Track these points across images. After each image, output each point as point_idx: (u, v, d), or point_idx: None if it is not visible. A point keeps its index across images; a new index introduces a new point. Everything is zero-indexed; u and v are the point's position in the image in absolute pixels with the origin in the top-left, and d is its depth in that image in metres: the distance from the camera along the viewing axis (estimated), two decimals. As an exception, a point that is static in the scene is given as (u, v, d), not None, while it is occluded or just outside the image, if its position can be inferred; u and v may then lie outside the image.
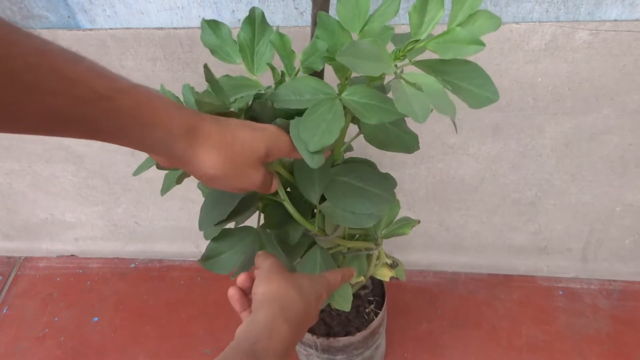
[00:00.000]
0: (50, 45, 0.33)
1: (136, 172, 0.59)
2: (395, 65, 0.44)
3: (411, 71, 0.45)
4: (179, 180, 0.55)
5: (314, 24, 0.53)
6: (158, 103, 0.39)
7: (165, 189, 0.60)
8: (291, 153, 0.50)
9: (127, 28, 0.88)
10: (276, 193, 0.61)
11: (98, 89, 0.35)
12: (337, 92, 0.50)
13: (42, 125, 0.35)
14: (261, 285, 0.52)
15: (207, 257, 0.65)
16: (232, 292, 0.55)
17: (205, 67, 0.45)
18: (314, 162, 0.48)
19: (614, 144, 0.97)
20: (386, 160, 1.05)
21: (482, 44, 0.43)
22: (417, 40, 0.45)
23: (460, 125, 0.96)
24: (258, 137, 0.46)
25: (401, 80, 0.42)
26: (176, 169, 0.53)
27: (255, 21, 0.55)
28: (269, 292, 0.51)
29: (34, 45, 0.32)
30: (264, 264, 0.55)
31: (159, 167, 0.48)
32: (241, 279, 0.56)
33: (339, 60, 0.41)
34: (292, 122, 0.49)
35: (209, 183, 0.45)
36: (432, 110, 0.42)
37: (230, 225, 0.63)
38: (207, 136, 0.42)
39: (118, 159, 1.15)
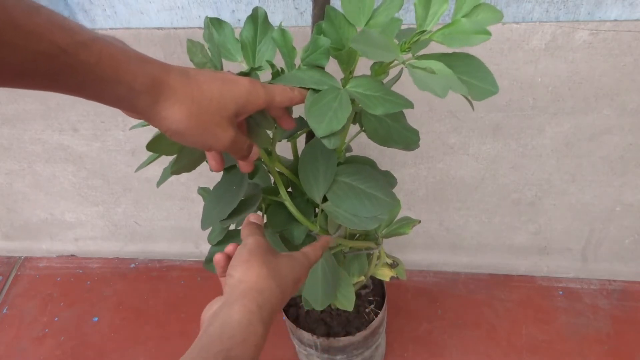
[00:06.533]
0: None
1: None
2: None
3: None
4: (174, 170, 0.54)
5: (315, 23, 0.53)
6: (121, 57, 0.37)
7: (161, 181, 0.60)
8: (268, 108, 0.48)
9: (127, 28, 0.88)
10: (278, 193, 0.61)
11: (58, 43, 0.33)
12: (341, 85, 0.51)
13: (1, 79, 0.33)
14: (238, 269, 0.48)
15: (210, 259, 0.64)
16: (219, 258, 0.52)
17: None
18: (330, 144, 0.48)
19: (614, 144, 0.97)
20: (386, 160, 1.05)
21: (487, 33, 0.43)
22: (423, 31, 0.46)
23: (460, 125, 0.96)
24: (227, 94, 0.44)
25: (413, 66, 0.43)
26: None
27: (258, 20, 0.55)
28: (246, 281, 0.47)
29: None
30: (247, 239, 0.52)
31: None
32: (230, 249, 0.53)
33: (354, 47, 0.41)
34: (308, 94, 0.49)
35: (174, 137, 0.43)
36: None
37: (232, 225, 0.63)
38: (172, 91, 0.41)
39: (118, 159, 1.15)
